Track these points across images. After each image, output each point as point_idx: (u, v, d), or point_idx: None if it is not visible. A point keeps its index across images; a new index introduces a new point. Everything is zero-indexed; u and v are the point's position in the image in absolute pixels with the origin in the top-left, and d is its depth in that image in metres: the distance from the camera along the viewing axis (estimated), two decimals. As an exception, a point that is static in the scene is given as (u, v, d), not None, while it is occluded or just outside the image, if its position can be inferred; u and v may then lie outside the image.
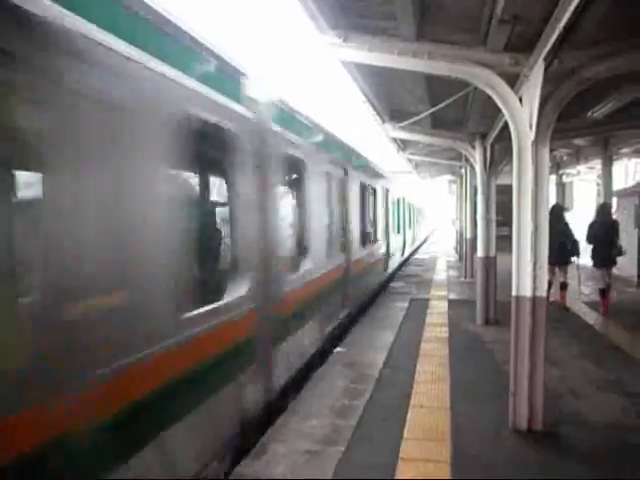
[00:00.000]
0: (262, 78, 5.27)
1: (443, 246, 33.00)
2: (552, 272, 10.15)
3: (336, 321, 8.65)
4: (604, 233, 10.15)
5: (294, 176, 7.01)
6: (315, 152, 7.39)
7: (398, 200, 19.03)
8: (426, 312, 10.73)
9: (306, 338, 6.76)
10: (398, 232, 18.96)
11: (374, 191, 13.13)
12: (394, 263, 17.71)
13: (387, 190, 15.49)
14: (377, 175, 13.71)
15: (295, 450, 4.53)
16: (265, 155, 5.23)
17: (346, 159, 9.69)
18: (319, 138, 7.77)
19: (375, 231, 13.35)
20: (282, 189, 6.27)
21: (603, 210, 10.85)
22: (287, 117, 6.11)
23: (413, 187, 28.23)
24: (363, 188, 11.34)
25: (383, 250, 14.95)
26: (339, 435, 4.81)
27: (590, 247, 10.40)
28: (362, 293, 11.27)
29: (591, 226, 10.47)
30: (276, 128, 5.57)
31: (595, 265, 10.39)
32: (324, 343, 7.74)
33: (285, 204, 6.55)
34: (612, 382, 6.24)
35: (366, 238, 11.77)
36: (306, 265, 6.75)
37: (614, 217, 10.93)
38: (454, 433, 4.83)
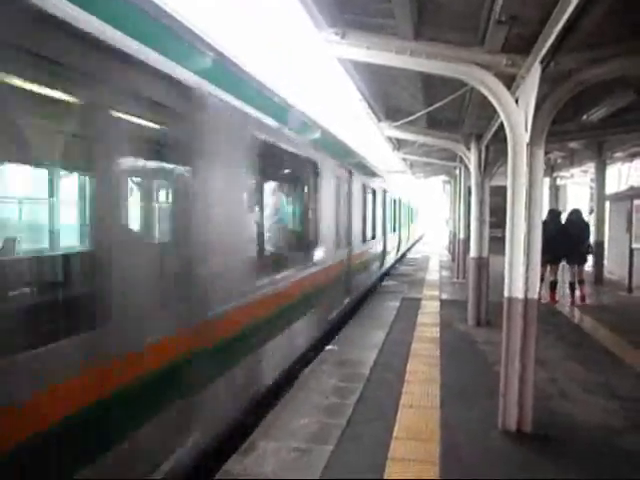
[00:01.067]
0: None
1: (436, 246, 33.06)
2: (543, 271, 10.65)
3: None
4: (578, 235, 11.55)
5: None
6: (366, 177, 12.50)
7: (394, 200, 19.76)
8: (418, 312, 10.73)
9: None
10: (394, 231, 19.87)
11: (374, 192, 14.21)
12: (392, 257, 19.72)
13: (385, 191, 16.41)
14: (379, 178, 15.31)
15: (284, 448, 4.51)
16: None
17: (369, 173, 13.12)
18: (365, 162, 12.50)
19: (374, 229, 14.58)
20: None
21: (576, 214, 12.00)
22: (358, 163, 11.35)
23: (408, 187, 28.45)
24: (374, 192, 14.07)
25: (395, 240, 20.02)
26: (328, 434, 4.80)
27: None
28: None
29: (564, 226, 11.80)
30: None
31: (569, 262, 11.79)
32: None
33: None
34: (601, 385, 6.27)
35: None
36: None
37: (586, 220, 12.23)
38: (443, 433, 4.83)
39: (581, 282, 11.77)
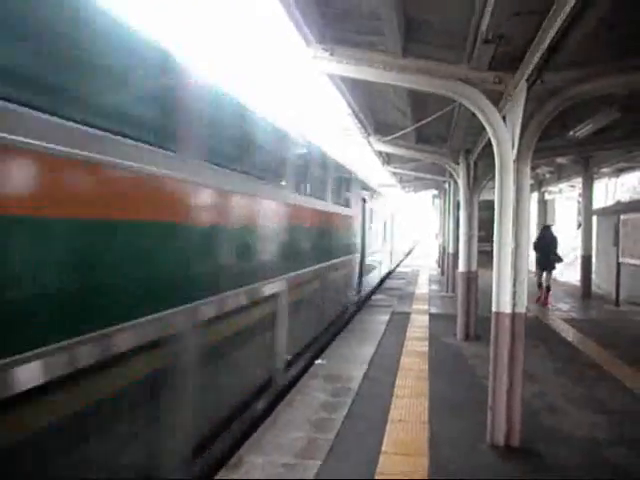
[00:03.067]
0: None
1: (426, 260, 33.13)
2: None
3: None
4: (548, 247, 13.53)
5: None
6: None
7: (393, 217, 23.02)
8: (407, 326, 10.73)
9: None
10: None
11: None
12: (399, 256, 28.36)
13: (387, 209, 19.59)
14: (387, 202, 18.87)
15: (272, 463, 4.48)
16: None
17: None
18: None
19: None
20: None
21: (547, 230, 14.08)
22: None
23: (402, 203, 29.27)
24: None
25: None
26: (317, 449, 4.77)
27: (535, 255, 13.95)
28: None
29: (538, 239, 13.92)
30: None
31: (540, 269, 13.93)
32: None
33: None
34: (588, 398, 6.29)
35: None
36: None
37: (554, 235, 14.08)
38: (432, 448, 4.82)
39: (548, 288, 13.75)
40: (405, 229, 32.46)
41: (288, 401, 6.08)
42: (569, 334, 10.13)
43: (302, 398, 6.18)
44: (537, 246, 13.74)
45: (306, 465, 4.44)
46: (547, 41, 3.99)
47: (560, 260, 14.06)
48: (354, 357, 8.11)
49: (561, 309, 13.22)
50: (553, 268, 13.93)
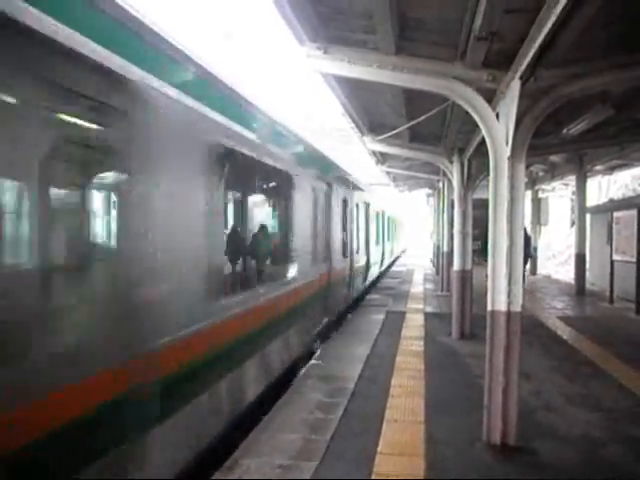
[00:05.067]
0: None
1: (421, 259, 33.17)
2: None
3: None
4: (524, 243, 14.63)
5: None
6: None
7: (389, 218, 26.95)
8: (402, 325, 10.72)
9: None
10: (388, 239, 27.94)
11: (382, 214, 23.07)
12: (399, 249, 37.61)
13: (384, 212, 23.17)
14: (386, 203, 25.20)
15: (268, 465, 4.45)
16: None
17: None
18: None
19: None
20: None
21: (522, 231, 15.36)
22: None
23: (396, 202, 31.68)
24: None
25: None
26: (313, 450, 4.74)
27: None
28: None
29: None
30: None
31: None
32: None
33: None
34: (584, 396, 6.29)
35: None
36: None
37: (528, 234, 15.44)
38: (428, 447, 4.80)
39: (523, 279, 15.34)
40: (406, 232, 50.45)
41: (284, 402, 6.06)
42: (564, 332, 10.14)
43: (298, 399, 6.15)
44: None
45: (302, 466, 4.41)
46: (540, 39, 3.98)
47: (531, 256, 17.23)
48: (349, 357, 8.08)
49: (556, 307, 13.26)
50: (526, 263, 15.42)
